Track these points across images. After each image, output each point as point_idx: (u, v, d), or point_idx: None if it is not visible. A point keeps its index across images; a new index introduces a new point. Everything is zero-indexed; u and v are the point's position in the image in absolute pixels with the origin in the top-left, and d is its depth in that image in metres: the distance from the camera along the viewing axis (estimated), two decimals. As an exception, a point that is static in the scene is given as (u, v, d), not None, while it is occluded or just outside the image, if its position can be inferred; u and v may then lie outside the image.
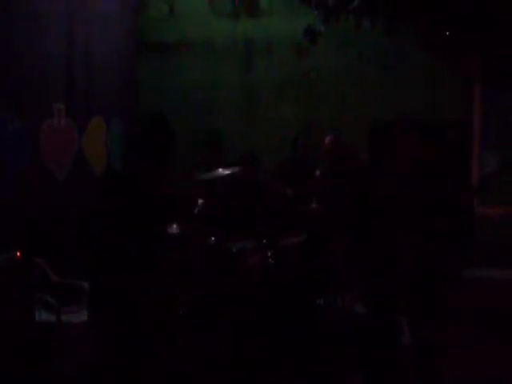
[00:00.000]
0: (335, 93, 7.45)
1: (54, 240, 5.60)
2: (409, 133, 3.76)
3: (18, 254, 4.53)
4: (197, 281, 4.34)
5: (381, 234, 3.82)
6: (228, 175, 5.39)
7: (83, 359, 4.03)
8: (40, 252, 4.98)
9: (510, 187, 6.89)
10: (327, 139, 6.56)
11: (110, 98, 7.18)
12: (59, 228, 5.82)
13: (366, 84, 7.32)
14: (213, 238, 4.70)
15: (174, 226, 4.35)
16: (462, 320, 4.87)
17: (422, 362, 3.79)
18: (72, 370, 4.21)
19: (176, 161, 2.85)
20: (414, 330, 3.79)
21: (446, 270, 3.83)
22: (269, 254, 4.62)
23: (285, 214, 5.45)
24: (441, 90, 7.06)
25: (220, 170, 5.53)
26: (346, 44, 7.29)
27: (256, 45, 7.83)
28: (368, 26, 6.37)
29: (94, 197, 5.85)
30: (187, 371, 3.84)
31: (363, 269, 3.98)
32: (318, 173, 6.28)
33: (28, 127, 5.68)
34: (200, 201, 5.07)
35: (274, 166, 6.65)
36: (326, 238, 5.21)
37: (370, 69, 7.29)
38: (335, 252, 5.06)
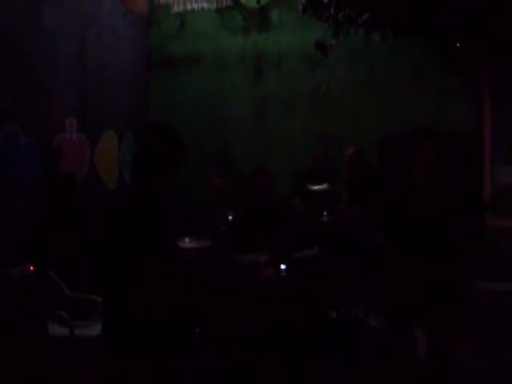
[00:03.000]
0: (346, 105, 7.46)
1: (65, 253, 5.62)
2: (425, 143, 3.74)
3: (32, 267, 4.55)
4: (210, 293, 4.33)
5: (396, 244, 3.80)
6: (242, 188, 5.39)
7: (96, 373, 4.02)
8: (52, 266, 5.00)
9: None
10: (348, 152, 6.32)
11: (121, 113, 7.25)
12: (71, 241, 5.85)
13: (376, 96, 7.32)
14: (225, 251, 4.70)
15: (187, 239, 4.36)
16: (476, 331, 4.84)
17: (438, 375, 3.75)
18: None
19: (186, 173, 2.84)
20: (431, 342, 3.75)
21: (459, 281, 3.80)
22: (282, 267, 4.60)
23: (297, 226, 5.43)
24: (451, 101, 7.05)
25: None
26: (357, 56, 7.30)
27: (266, 58, 7.87)
28: (378, 38, 6.36)
29: (106, 211, 5.88)
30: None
31: (378, 281, 3.96)
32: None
33: (41, 141, 5.73)
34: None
35: (293, 177, 6.58)
36: (340, 251, 5.20)
37: (380, 81, 7.30)
38: (348, 264, 5.04)
